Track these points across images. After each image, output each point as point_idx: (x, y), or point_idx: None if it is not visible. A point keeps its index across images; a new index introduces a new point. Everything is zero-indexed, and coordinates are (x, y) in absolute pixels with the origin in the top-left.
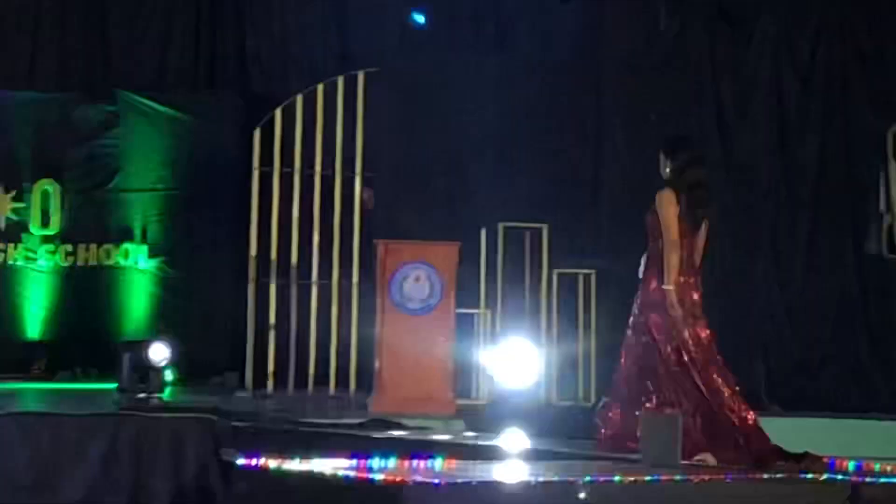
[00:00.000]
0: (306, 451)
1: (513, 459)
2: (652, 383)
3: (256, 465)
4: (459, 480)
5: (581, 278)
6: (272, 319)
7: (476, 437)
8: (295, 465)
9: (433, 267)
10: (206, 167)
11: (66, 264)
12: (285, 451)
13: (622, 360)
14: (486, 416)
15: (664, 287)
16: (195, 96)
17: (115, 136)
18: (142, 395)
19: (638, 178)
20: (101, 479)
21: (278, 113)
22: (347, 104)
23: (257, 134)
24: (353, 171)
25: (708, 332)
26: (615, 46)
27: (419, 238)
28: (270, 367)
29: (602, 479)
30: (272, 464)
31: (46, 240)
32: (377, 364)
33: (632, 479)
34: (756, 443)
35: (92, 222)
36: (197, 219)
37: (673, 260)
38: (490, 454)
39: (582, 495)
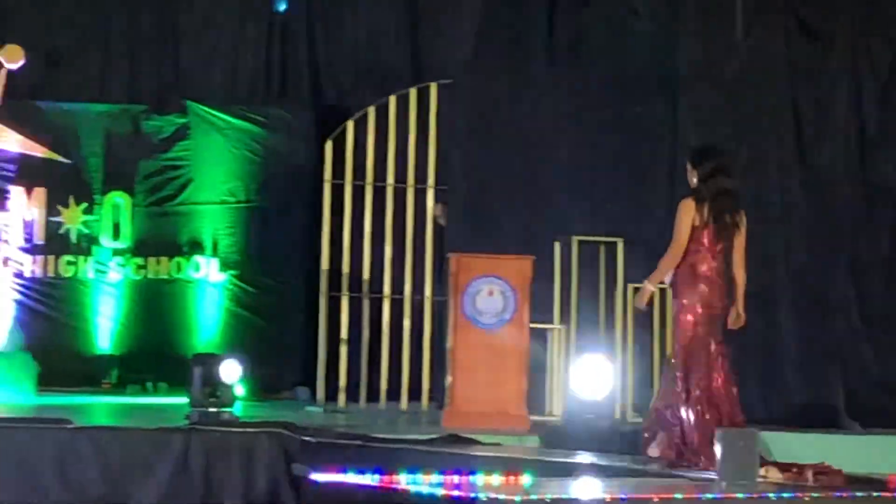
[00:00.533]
0: (378, 467)
1: (588, 476)
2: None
3: (327, 480)
4: (532, 497)
5: (657, 292)
6: (344, 334)
7: (551, 454)
8: (366, 480)
9: (506, 281)
10: (277, 179)
11: (137, 277)
12: (357, 467)
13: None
14: (560, 433)
15: (644, 283)
16: (266, 108)
17: (185, 149)
18: (213, 410)
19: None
20: (171, 493)
21: (350, 125)
22: (420, 116)
23: (329, 146)
24: (425, 184)
25: (722, 345)
26: (691, 58)
27: (492, 252)
28: (342, 381)
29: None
30: (343, 479)
31: (117, 252)
32: (449, 379)
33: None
34: None
35: (163, 235)
36: (268, 232)
37: (666, 263)
38: (565, 471)
39: None
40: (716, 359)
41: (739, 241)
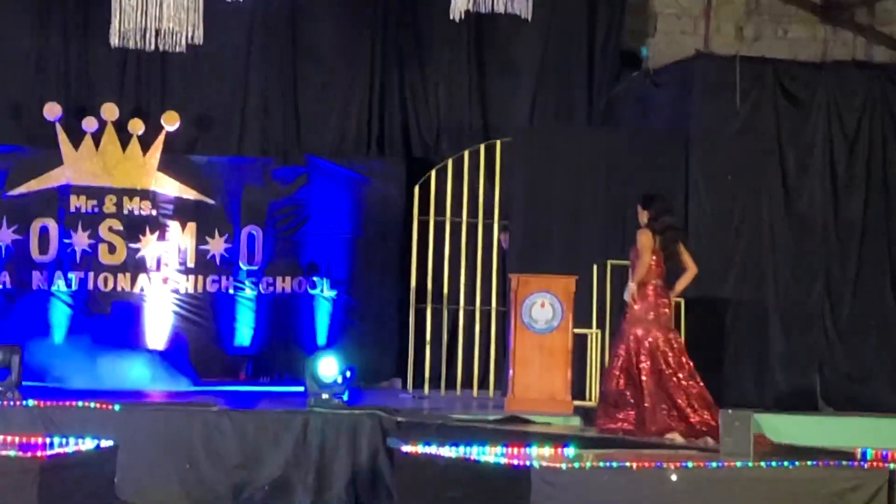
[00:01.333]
0: (454, 441)
1: (617, 449)
2: (632, 381)
3: (416, 451)
4: (575, 465)
5: (672, 306)
6: (428, 336)
7: (589, 431)
8: (446, 451)
9: (555, 295)
10: (376, 216)
11: (266, 293)
12: (438, 441)
13: (611, 362)
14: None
15: (629, 284)
16: (368, 160)
17: (305, 192)
18: (326, 397)
19: (718, 225)
20: (293, 461)
21: (433, 173)
22: (487, 166)
23: (416, 190)
24: (492, 219)
25: (680, 339)
26: (699, 121)
27: (544, 272)
28: (426, 373)
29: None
30: (427, 451)
31: (251, 273)
32: (510, 372)
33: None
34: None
35: (287, 259)
36: (369, 257)
37: (637, 275)
38: (602, 444)
39: (673, 478)
40: (663, 346)
41: (682, 251)
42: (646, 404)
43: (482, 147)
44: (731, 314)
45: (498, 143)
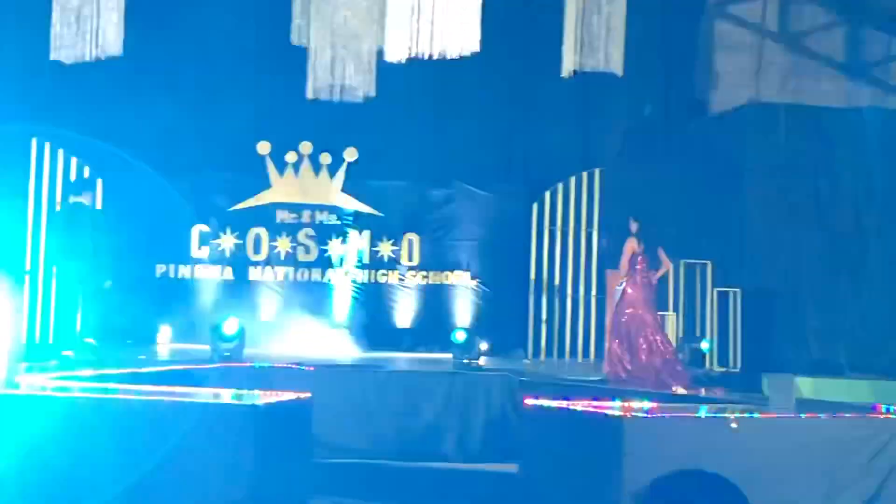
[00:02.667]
0: (565, 396)
1: (686, 404)
2: (632, 340)
3: (535, 404)
4: (660, 415)
5: (731, 294)
6: (544, 316)
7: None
8: (558, 403)
9: None
10: (505, 226)
11: (422, 283)
12: (553, 396)
13: (616, 324)
14: None
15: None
16: (499, 183)
17: (451, 208)
18: (466, 361)
19: (766, 232)
20: (443, 411)
21: (548, 194)
22: (589, 188)
23: (535, 207)
24: (591, 228)
25: (658, 316)
26: (754, 153)
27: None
28: (543, 345)
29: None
30: (544, 403)
31: (411, 269)
32: (607, 345)
33: (763, 416)
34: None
35: (438, 258)
36: (500, 257)
37: (621, 267)
38: (675, 399)
39: (734, 426)
40: (646, 324)
41: (661, 253)
42: (641, 356)
43: (585, 174)
44: (777, 300)
45: (597, 171)
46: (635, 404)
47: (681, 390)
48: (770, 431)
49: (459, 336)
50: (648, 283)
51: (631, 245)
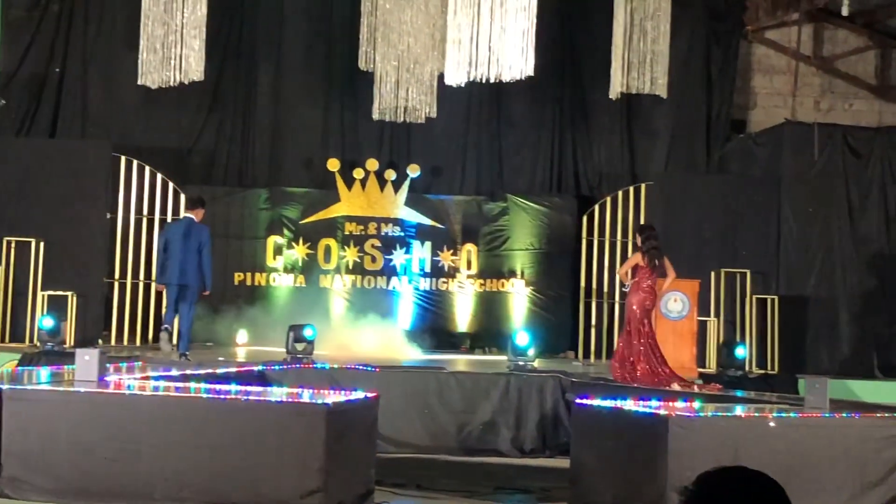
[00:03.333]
0: (613, 396)
1: (727, 403)
2: (633, 341)
3: (585, 403)
4: (701, 414)
5: (769, 301)
6: (593, 321)
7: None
8: (606, 403)
9: (684, 293)
10: (556, 237)
11: (480, 290)
12: (601, 396)
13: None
14: (714, 379)
15: (625, 283)
16: (550, 196)
17: (506, 220)
18: (522, 363)
19: (801, 243)
20: (498, 409)
21: (597, 207)
22: (636, 201)
23: (585, 219)
24: (637, 239)
25: (652, 324)
26: (789, 169)
27: (677, 277)
28: (592, 347)
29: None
30: (594, 402)
31: (469, 276)
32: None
33: (799, 415)
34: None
35: (494, 267)
36: (551, 265)
37: (621, 270)
38: (717, 399)
39: (772, 424)
40: (647, 330)
41: (666, 264)
42: (643, 361)
43: (631, 188)
44: (812, 306)
45: (643, 185)
46: (679, 404)
47: (676, 386)
48: (805, 430)
49: (521, 339)
50: (651, 291)
51: (636, 258)
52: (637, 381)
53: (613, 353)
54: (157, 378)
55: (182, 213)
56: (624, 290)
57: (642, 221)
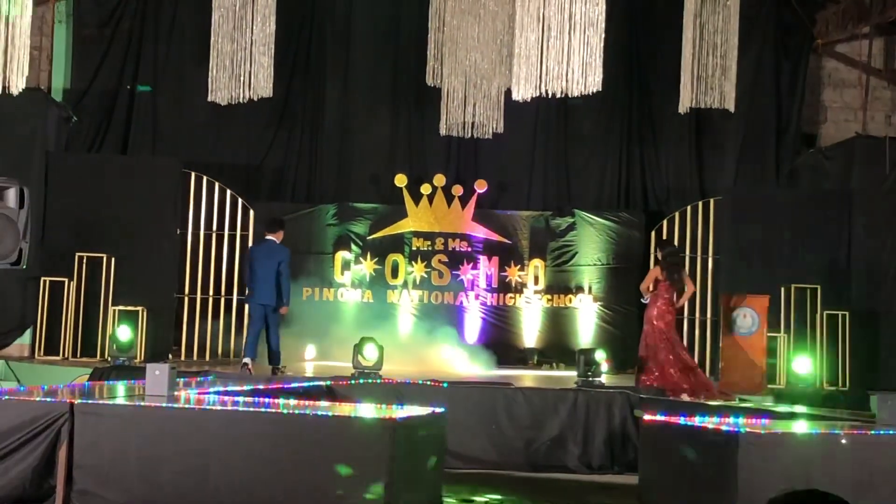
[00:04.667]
0: (682, 412)
1: (798, 421)
2: (659, 354)
3: (654, 419)
4: (770, 431)
5: (839, 316)
6: None
7: (779, 407)
8: (675, 419)
9: (754, 309)
10: (623, 252)
11: (547, 306)
12: (670, 412)
13: (646, 341)
14: (785, 395)
15: (644, 296)
16: (618, 212)
17: (573, 235)
18: (590, 379)
19: (873, 256)
20: (567, 424)
21: (665, 222)
22: (704, 217)
23: (653, 234)
24: (707, 255)
25: (676, 334)
26: (860, 183)
27: (747, 293)
28: None
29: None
30: (662, 419)
31: (537, 292)
32: (721, 364)
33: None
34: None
35: (561, 283)
36: (619, 280)
37: (643, 284)
38: (785, 416)
39: (844, 441)
40: (672, 339)
41: (685, 278)
42: (670, 370)
43: (700, 203)
44: (883, 321)
45: (711, 200)
46: (749, 420)
47: (685, 397)
48: (877, 448)
49: (584, 355)
50: (669, 304)
51: (655, 271)
52: (670, 388)
53: (644, 370)
54: (226, 393)
55: (265, 236)
56: (643, 301)
57: (711, 237)
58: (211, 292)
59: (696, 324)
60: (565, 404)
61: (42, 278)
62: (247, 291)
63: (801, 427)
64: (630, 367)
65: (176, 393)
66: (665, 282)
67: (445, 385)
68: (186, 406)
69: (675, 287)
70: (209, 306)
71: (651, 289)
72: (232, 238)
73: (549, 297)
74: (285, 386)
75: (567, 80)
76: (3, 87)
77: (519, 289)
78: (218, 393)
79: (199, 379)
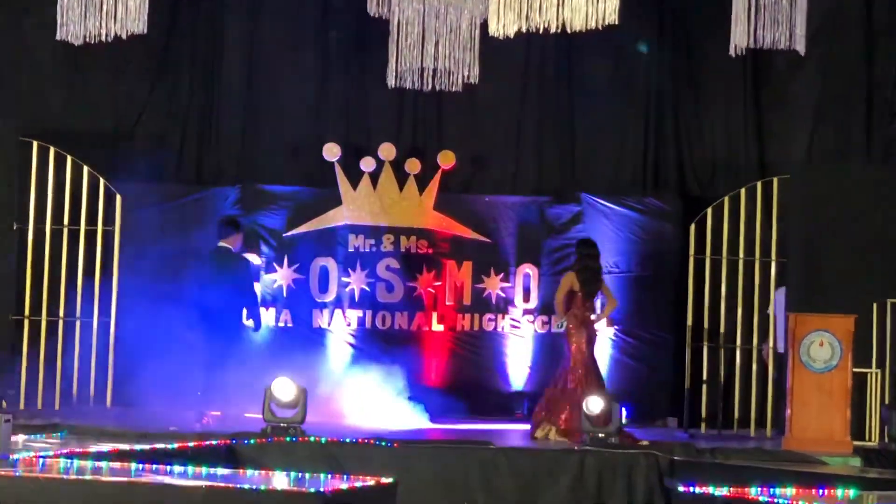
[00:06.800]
0: (732, 481)
1: (887, 492)
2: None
3: (693, 492)
4: None
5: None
6: (704, 375)
7: (870, 472)
8: (723, 491)
9: (834, 334)
10: (652, 254)
11: (542, 332)
12: (716, 481)
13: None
14: (879, 456)
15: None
16: (643, 197)
17: (579, 230)
18: (601, 435)
19: None
20: (570, 499)
21: (709, 211)
22: (764, 204)
23: (693, 228)
24: (769, 258)
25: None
26: None
27: (823, 311)
28: (703, 412)
29: None
30: (706, 491)
31: (527, 312)
32: (788, 411)
33: None
34: None
35: None
36: (645, 295)
37: (557, 309)
38: (885, 486)
39: None
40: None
41: (604, 289)
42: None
43: (759, 184)
44: None
45: (775, 180)
46: (828, 492)
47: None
48: None
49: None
50: (586, 325)
51: (569, 280)
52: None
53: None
54: (80, 457)
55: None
56: (558, 330)
57: (774, 231)
58: (62, 313)
59: (753, 354)
60: (567, 471)
61: None
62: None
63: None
64: (661, 419)
65: (11, 456)
66: (580, 293)
67: (395, 444)
68: (29, 475)
69: (589, 302)
70: (59, 331)
71: (563, 305)
72: (91, 235)
73: (544, 318)
74: (167, 446)
75: (567, 9)
76: None
77: (502, 307)
78: (71, 457)
79: (43, 437)
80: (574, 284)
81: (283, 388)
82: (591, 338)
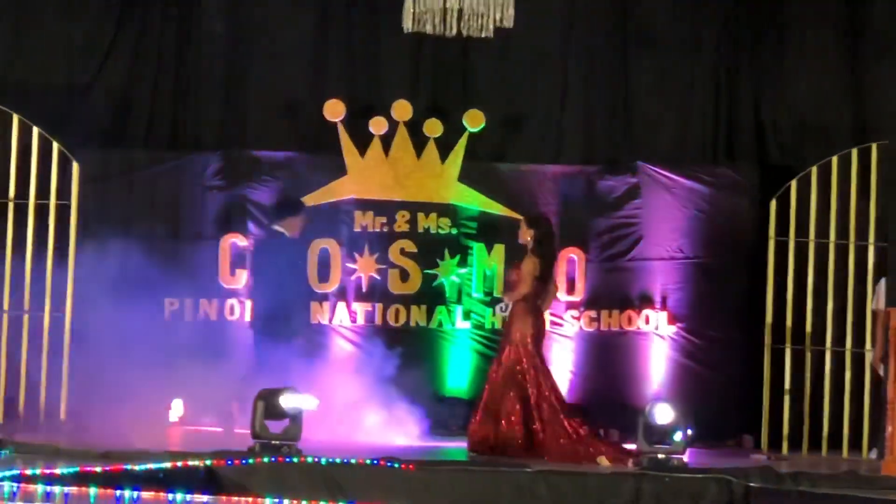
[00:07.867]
0: None
1: None
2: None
3: None
4: None
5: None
6: (787, 384)
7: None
8: None
9: None
10: (724, 236)
11: (589, 329)
12: None
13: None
14: None
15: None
16: (713, 168)
17: (636, 207)
18: (662, 457)
19: None
20: None
21: (794, 184)
22: (861, 175)
23: (773, 204)
24: (866, 241)
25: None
26: None
27: None
28: (785, 429)
29: None
30: None
31: (571, 306)
32: (889, 429)
33: None
34: None
35: (614, 289)
36: (714, 286)
37: (513, 297)
38: None
39: None
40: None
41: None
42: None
43: (854, 151)
44: None
45: (874, 146)
46: None
47: (605, 461)
48: None
49: (662, 415)
50: (535, 315)
51: (532, 264)
52: (543, 451)
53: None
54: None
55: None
56: (501, 310)
57: (872, 209)
58: (5, 305)
59: (847, 359)
60: (621, 498)
61: None
62: None
63: None
64: (733, 437)
65: None
66: (537, 279)
67: (410, 468)
68: None
69: (546, 288)
70: (2, 327)
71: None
72: (42, 210)
73: (592, 314)
74: (134, 468)
75: None
76: None
77: None
78: (16, 480)
79: None
80: (535, 269)
81: (276, 398)
82: (538, 333)
